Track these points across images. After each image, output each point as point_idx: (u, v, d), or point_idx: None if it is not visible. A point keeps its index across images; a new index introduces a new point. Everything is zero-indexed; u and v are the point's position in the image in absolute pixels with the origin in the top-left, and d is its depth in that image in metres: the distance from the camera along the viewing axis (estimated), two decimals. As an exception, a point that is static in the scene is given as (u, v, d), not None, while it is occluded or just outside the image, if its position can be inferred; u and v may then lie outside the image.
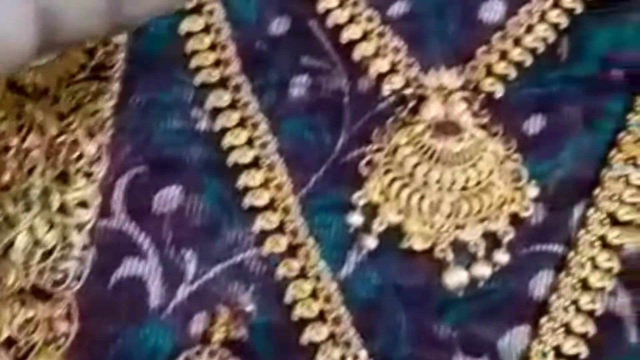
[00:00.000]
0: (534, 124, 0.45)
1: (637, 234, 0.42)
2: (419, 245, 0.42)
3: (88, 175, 0.42)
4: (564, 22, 0.46)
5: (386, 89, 0.46)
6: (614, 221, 0.43)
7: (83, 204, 0.42)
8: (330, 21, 0.46)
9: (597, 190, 0.43)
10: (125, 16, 0.34)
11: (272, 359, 0.40)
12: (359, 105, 0.45)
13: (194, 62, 0.45)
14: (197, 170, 0.43)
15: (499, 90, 0.45)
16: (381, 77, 0.46)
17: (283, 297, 0.41)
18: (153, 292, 0.41)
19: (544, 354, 0.40)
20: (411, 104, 0.45)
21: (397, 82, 0.46)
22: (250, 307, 0.40)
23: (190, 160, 0.44)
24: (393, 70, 0.46)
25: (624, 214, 0.43)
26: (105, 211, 0.43)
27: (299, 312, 0.41)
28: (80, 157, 0.43)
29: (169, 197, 0.43)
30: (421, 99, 0.45)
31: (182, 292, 0.41)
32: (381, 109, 0.45)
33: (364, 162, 0.44)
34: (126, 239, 0.42)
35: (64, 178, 0.42)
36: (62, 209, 0.42)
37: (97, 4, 0.33)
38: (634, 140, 0.44)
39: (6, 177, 0.42)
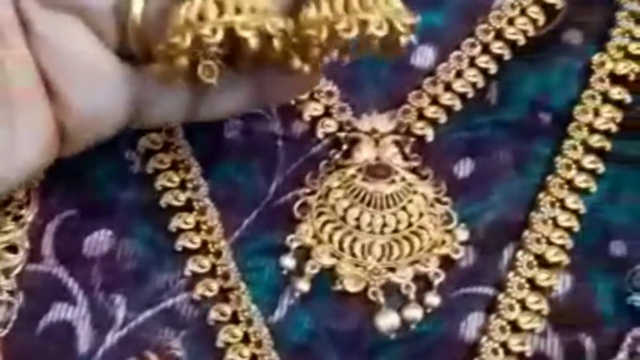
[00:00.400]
0: (464, 168, 0.46)
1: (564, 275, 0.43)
2: (351, 287, 0.42)
3: (17, 218, 0.42)
4: (493, 67, 0.47)
5: (320, 132, 0.46)
6: (543, 263, 0.44)
7: (11, 248, 0.42)
8: None
9: (525, 233, 0.44)
10: (200, 116, 0.40)
11: None
12: (293, 148, 0.46)
13: None
14: (128, 213, 0.43)
15: (429, 134, 0.46)
16: (315, 120, 0.46)
17: (214, 342, 0.41)
18: (82, 337, 0.41)
19: (475, 397, 0.41)
20: (344, 147, 0.46)
21: (330, 125, 0.46)
22: (180, 353, 0.40)
23: (121, 203, 0.43)
24: (327, 114, 0.46)
25: (552, 256, 0.44)
26: (34, 255, 0.42)
27: (230, 357, 0.41)
28: (9, 200, 0.42)
29: (99, 241, 0.43)
30: (354, 142, 0.46)
31: (112, 337, 0.41)
32: (315, 152, 0.46)
33: (297, 205, 0.44)
34: (56, 283, 0.42)
35: (-8, 222, 0.42)
36: (-11, 253, 0.42)
37: (180, 101, 0.39)
38: (561, 183, 0.45)
39: None
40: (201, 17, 0.35)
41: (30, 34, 0.37)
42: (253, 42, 0.35)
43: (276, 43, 0.36)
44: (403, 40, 0.37)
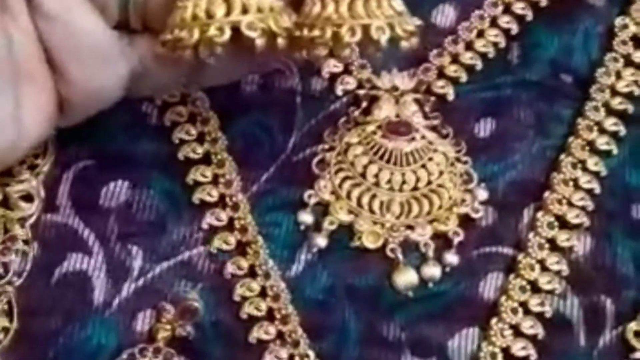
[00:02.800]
0: (485, 127, 0.45)
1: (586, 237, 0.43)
2: (369, 243, 0.42)
3: (32, 167, 0.41)
4: (514, 27, 0.47)
5: (339, 90, 0.45)
6: (563, 224, 0.43)
7: (27, 197, 0.41)
8: None
9: (546, 194, 0.43)
10: (193, 87, 0.42)
11: (219, 356, 0.40)
12: (312, 104, 0.45)
13: None
14: (145, 164, 0.43)
15: (450, 93, 0.45)
16: (334, 77, 0.45)
17: (231, 295, 0.41)
18: (98, 287, 0.40)
19: (493, 356, 0.40)
20: (364, 105, 0.45)
21: (350, 82, 0.45)
22: (197, 304, 0.40)
23: (138, 155, 0.43)
24: (346, 70, 0.46)
25: (572, 217, 0.43)
26: (50, 205, 0.41)
27: (247, 310, 0.40)
28: (24, 149, 0.42)
29: (116, 191, 0.42)
30: (373, 100, 0.45)
31: (128, 288, 0.40)
32: (334, 109, 0.45)
33: (315, 161, 0.43)
34: (71, 233, 0.41)
35: (7, 171, 0.41)
36: (5, 202, 0.41)
37: (174, 75, 0.39)
38: (582, 145, 0.45)
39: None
40: (209, 14, 0.36)
41: (36, 11, 0.37)
42: (259, 42, 0.36)
43: (280, 41, 0.37)
44: (404, 44, 0.38)
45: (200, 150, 0.43)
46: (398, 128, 0.44)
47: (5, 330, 0.39)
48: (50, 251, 0.41)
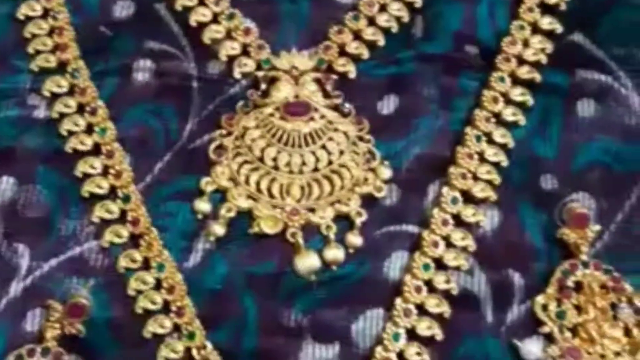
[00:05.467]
0: (388, 105, 0.44)
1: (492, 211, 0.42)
2: (268, 229, 0.40)
3: None
4: (418, 0, 0.45)
5: (237, 72, 0.44)
6: (469, 199, 0.42)
7: None
8: (179, 4, 0.45)
9: (451, 168, 0.42)
10: None
11: (113, 354, 0.38)
12: (209, 89, 0.44)
13: (31, 47, 0.44)
14: (32, 159, 0.41)
15: (351, 71, 0.44)
16: (232, 60, 0.44)
17: (125, 290, 0.39)
18: None
19: (396, 337, 0.39)
20: (263, 87, 0.44)
21: (248, 64, 0.44)
22: (85, 302, 0.38)
23: (25, 150, 0.41)
24: (244, 52, 0.44)
25: (478, 191, 0.42)
26: None
27: (141, 304, 0.39)
28: None
29: (1, 188, 0.41)
30: (272, 81, 0.44)
31: (16, 287, 0.39)
32: (232, 93, 0.44)
33: (212, 147, 0.42)
34: None
35: None
36: None
37: None
38: (487, 116, 0.44)
39: None
40: None
41: None
42: None
43: None
44: None
45: (88, 141, 0.42)
46: (296, 109, 0.43)
47: None
48: None
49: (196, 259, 0.40)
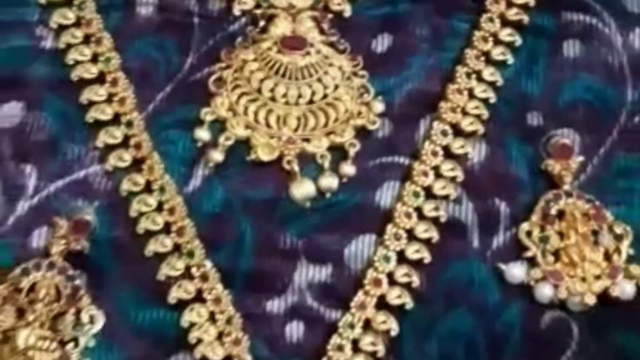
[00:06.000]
0: (381, 43, 0.46)
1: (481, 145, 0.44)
2: (265, 156, 0.42)
3: None
4: (411, -57, 0.47)
5: (237, 10, 0.46)
6: (458, 132, 0.44)
7: None
8: None
9: (441, 103, 0.44)
10: None
11: (116, 271, 0.40)
12: (209, 26, 0.45)
13: None
14: (39, 86, 0.43)
15: (347, 10, 0.46)
16: None
17: (127, 212, 0.41)
18: None
19: (387, 259, 0.41)
20: (261, 24, 0.45)
21: (247, 2, 0.46)
22: (90, 218, 0.40)
23: (32, 77, 0.43)
24: (244, -10, 0.46)
25: (467, 125, 0.44)
26: (-57, 128, 0.42)
27: (143, 225, 0.41)
28: None
29: (9, 112, 0.42)
30: (270, 19, 0.45)
31: (22, 206, 0.41)
32: (232, 30, 0.45)
33: (212, 79, 0.44)
34: None
35: None
36: None
37: None
38: (477, 55, 0.45)
39: None
40: None
41: None
42: None
43: None
44: None
45: (94, 70, 0.43)
46: (293, 43, 0.44)
47: None
48: None
49: (195, 184, 0.42)
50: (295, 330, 0.40)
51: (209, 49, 0.45)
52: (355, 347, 0.39)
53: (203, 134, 0.43)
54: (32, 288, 0.39)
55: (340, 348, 0.39)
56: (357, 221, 0.42)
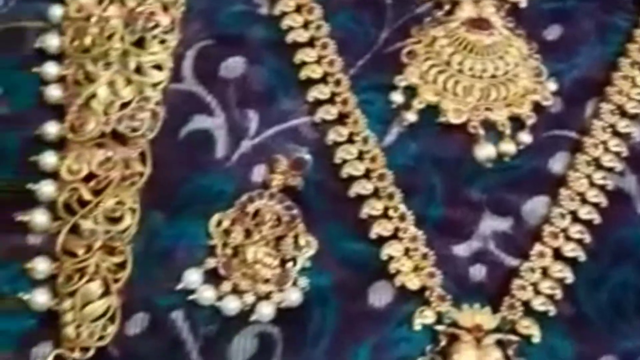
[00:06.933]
0: (553, 32, 0.51)
1: None
2: (454, 119, 0.47)
3: (162, 42, 0.47)
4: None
5: (424, -6, 0.51)
6: (623, 113, 0.49)
7: (158, 67, 0.47)
8: None
9: (608, 88, 0.49)
10: None
11: (323, 208, 0.45)
12: (400, 7, 0.51)
13: None
14: (258, 46, 0.48)
15: (523, 1, 0.51)
16: None
17: (332, 160, 0.46)
18: (219, 144, 0.46)
19: (562, 216, 0.46)
20: (446, 7, 0.51)
21: (434, -12, 0.51)
22: (307, 156, 0.45)
23: (252, 38, 0.49)
24: (429, -19, 0.52)
25: (631, 108, 0.49)
26: (176, 76, 0.47)
27: (346, 170, 0.46)
28: (156, 26, 0.47)
29: (234, 65, 0.48)
30: (455, 4, 0.51)
31: (245, 145, 0.46)
32: (419, 12, 0.51)
33: (405, 51, 0.49)
34: (196, 99, 0.47)
35: (141, 43, 0.47)
36: (139, 70, 0.46)
37: None
38: (638, 48, 0.50)
39: (87, 41, 0.47)
40: None
41: None
42: None
43: None
44: None
45: (305, 35, 0.49)
46: (480, 23, 0.50)
47: (140, 174, 0.44)
48: (177, 113, 0.46)
49: (391, 139, 0.47)
50: (478, 272, 0.45)
51: (399, 26, 0.50)
52: (535, 290, 0.44)
53: (397, 97, 0.48)
54: (256, 214, 0.44)
55: (523, 288, 0.44)
56: (532, 183, 0.47)
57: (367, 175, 0.46)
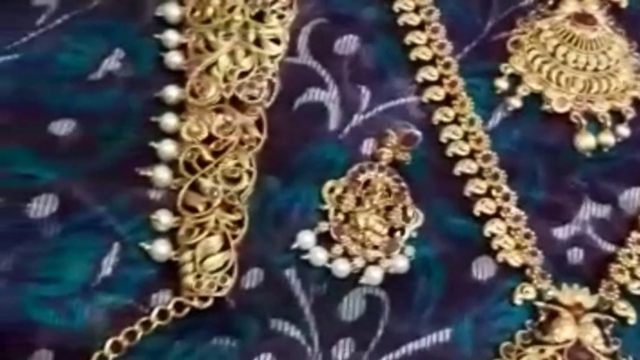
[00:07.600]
0: None
1: None
2: (558, 108, 0.49)
3: (280, 17, 0.49)
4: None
5: (528, -10, 0.53)
6: None
7: (275, 40, 0.49)
8: None
9: None
10: None
11: (429, 184, 0.47)
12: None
13: None
14: (370, 26, 0.50)
15: (623, 2, 0.53)
16: None
17: (438, 138, 0.48)
18: (332, 116, 0.48)
19: (661, 207, 0.47)
20: (550, 2, 0.52)
21: (539, -11, 0.53)
22: (418, 132, 0.47)
23: (365, 18, 0.50)
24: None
25: None
26: (292, 50, 0.49)
27: (452, 150, 0.48)
28: (275, 2, 0.49)
29: (347, 43, 0.50)
30: (559, 0, 0.52)
31: (357, 119, 0.48)
32: (524, 5, 0.52)
33: (510, 41, 0.51)
34: (310, 73, 0.49)
35: (260, 17, 0.49)
36: (258, 42, 0.48)
37: None
38: None
39: (209, 12, 0.49)
40: None
41: None
42: None
43: None
44: None
45: (416, 18, 0.51)
46: (585, 18, 0.51)
47: (257, 140, 0.46)
48: (292, 85, 0.48)
49: (495, 123, 0.49)
50: (576, 255, 0.46)
51: (505, 17, 0.52)
52: (632, 275, 0.45)
53: (502, 83, 0.49)
54: (367, 184, 0.45)
55: (620, 272, 0.45)
56: (630, 174, 0.48)
57: (471, 155, 0.48)
